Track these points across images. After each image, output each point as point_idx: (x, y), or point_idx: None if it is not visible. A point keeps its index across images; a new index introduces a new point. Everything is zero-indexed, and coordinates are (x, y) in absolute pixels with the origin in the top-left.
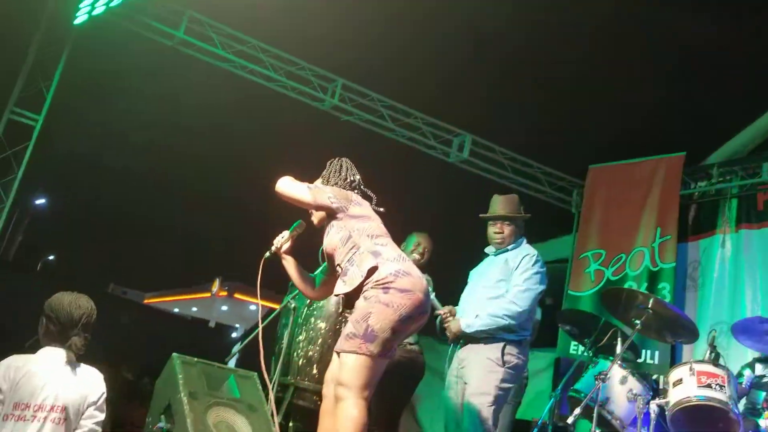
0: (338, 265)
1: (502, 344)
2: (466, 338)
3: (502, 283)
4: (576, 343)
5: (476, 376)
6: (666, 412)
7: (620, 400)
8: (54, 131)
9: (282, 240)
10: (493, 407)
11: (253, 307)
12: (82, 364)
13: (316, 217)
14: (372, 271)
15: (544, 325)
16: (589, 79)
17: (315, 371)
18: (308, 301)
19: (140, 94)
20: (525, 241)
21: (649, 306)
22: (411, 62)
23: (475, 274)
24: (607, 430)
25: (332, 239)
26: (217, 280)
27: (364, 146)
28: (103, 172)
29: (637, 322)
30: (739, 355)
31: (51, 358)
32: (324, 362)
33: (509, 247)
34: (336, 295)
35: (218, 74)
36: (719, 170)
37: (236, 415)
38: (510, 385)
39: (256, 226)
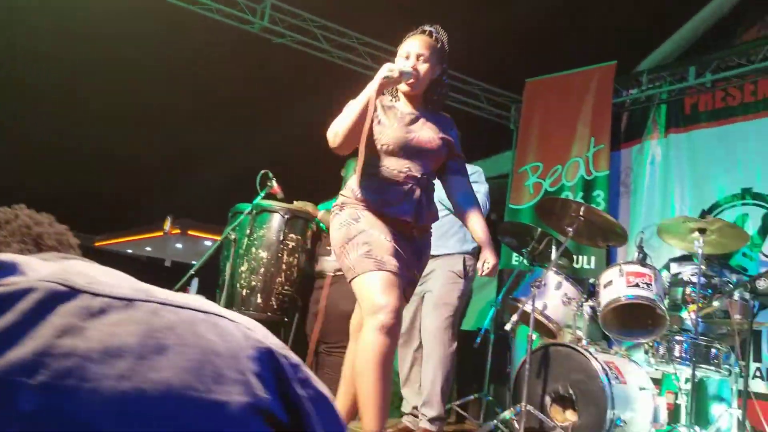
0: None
1: (462, 257)
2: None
3: None
4: (517, 254)
5: (440, 286)
6: (598, 313)
7: (556, 304)
8: None
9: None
10: (452, 318)
11: (208, 243)
12: None
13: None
14: None
15: None
16: None
17: (259, 300)
18: (248, 231)
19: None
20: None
21: (581, 213)
22: None
23: None
24: (545, 334)
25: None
26: (169, 218)
27: (301, 70)
28: (24, 90)
29: (570, 229)
30: (670, 254)
31: None
32: (267, 291)
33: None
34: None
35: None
36: (648, 77)
37: None
38: (467, 298)
39: (203, 161)
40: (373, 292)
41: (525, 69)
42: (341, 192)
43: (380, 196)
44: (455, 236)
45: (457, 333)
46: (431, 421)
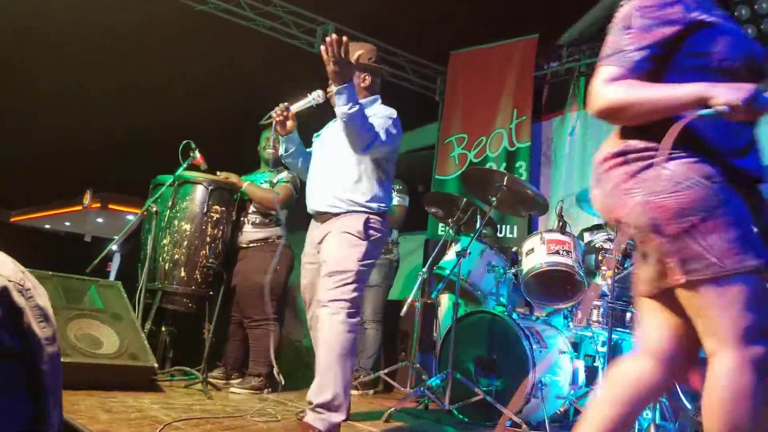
0: None
1: (365, 216)
2: (321, 215)
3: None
4: (443, 224)
5: (336, 251)
6: (520, 280)
7: (480, 272)
8: None
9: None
10: (354, 285)
11: (130, 217)
12: None
13: None
14: None
15: (414, 209)
16: None
17: (183, 274)
18: (170, 203)
19: None
20: (380, 101)
21: (504, 183)
22: None
23: (318, 143)
24: (470, 301)
25: None
26: (89, 191)
27: (223, 38)
28: None
29: (494, 199)
30: (588, 223)
31: None
32: (191, 264)
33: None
34: None
35: None
36: (568, 50)
37: (101, 325)
38: (371, 261)
39: (124, 134)
40: (748, 304)
41: (450, 41)
42: (620, 137)
43: (730, 141)
44: (356, 189)
45: (361, 303)
46: (315, 409)
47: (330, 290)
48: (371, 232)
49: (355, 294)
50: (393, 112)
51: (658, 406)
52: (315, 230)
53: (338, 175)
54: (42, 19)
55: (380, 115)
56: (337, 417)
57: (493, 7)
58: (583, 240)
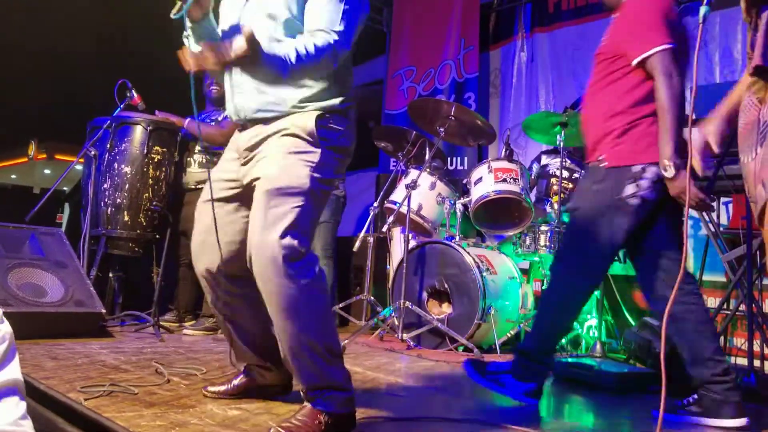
0: None
1: (317, 111)
2: (254, 118)
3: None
4: (394, 159)
5: (276, 163)
6: (470, 209)
7: (430, 204)
8: None
9: None
10: (300, 208)
11: (78, 167)
12: None
13: None
14: None
15: (365, 145)
16: None
17: (126, 218)
18: (108, 145)
19: None
20: None
21: (452, 114)
22: None
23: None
24: (422, 233)
25: None
26: (33, 142)
27: None
28: None
29: (441, 130)
30: (538, 150)
31: None
32: (134, 208)
33: None
34: None
35: None
36: None
37: (44, 273)
38: (327, 176)
39: (61, 78)
40: None
41: None
42: None
43: None
44: (304, 79)
45: (329, 244)
46: (308, 392)
47: (268, 221)
48: (328, 133)
49: (309, 223)
50: None
51: (603, 324)
52: (240, 138)
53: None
54: None
55: None
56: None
57: None
58: (540, 162)
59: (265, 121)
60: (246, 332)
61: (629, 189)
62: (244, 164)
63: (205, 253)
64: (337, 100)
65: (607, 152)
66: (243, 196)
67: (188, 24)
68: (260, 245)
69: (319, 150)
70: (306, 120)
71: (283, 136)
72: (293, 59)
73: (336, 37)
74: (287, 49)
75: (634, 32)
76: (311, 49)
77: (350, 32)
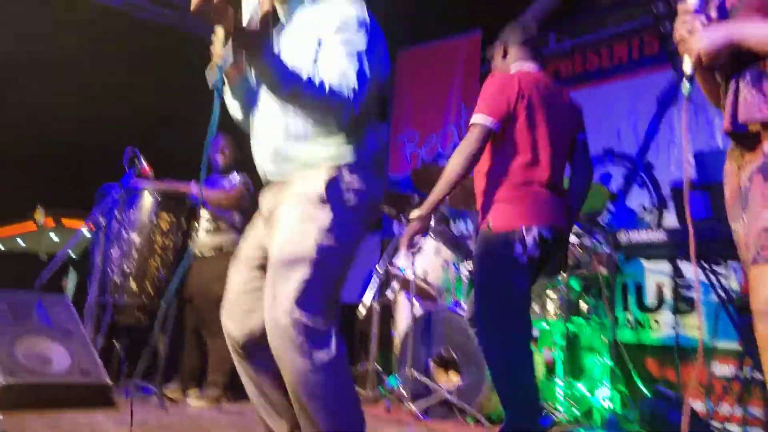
0: None
1: (330, 170)
2: (272, 178)
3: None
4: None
5: (283, 234)
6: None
7: (435, 269)
8: None
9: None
10: (307, 280)
11: (86, 231)
12: None
13: None
14: None
15: None
16: None
17: (133, 286)
18: (117, 213)
19: None
20: None
21: None
22: None
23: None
24: (427, 299)
25: None
26: (40, 209)
27: (168, 42)
28: None
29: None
30: None
31: None
32: (141, 275)
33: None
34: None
35: None
36: None
37: (51, 342)
38: (347, 240)
39: (72, 148)
40: None
41: (397, 38)
42: None
43: None
44: (317, 136)
45: (328, 306)
46: None
47: (275, 297)
48: (342, 194)
49: (324, 286)
50: (364, 18)
51: (618, 396)
52: (263, 199)
53: (287, 112)
54: None
55: (347, 35)
56: None
57: (439, 3)
58: None
59: (282, 181)
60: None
61: (518, 249)
62: (266, 227)
63: (232, 319)
64: (352, 155)
65: (493, 217)
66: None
67: (225, 84)
68: (269, 322)
69: (330, 212)
70: (316, 181)
71: (294, 200)
72: (303, 81)
73: (351, 90)
74: (301, 73)
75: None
76: (325, 88)
77: (367, 85)
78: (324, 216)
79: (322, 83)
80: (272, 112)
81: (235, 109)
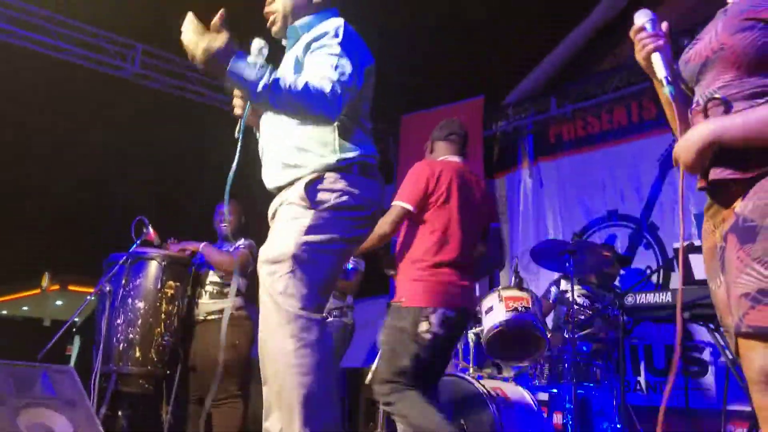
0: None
1: (314, 173)
2: (272, 186)
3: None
4: None
5: (272, 235)
6: (481, 340)
7: None
8: None
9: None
10: (289, 274)
11: (92, 297)
12: None
13: None
14: None
15: (374, 272)
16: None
17: (138, 354)
18: (123, 281)
19: None
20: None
21: None
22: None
23: None
24: None
25: None
26: (46, 274)
27: (175, 111)
28: None
29: None
30: (551, 276)
31: None
32: (146, 343)
33: (298, 25)
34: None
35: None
36: (515, 109)
37: (54, 414)
38: (323, 237)
39: (78, 214)
40: None
41: (400, 104)
42: None
43: None
44: (312, 147)
45: (312, 296)
46: None
47: (265, 290)
48: (322, 195)
49: (306, 289)
50: (338, 26)
51: None
52: (271, 208)
53: (284, 129)
54: None
55: (322, 48)
56: None
57: (440, 70)
58: (559, 287)
59: (279, 189)
60: None
61: (423, 326)
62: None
63: None
64: (333, 159)
65: (406, 293)
66: None
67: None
68: (261, 310)
69: (311, 213)
70: (299, 186)
71: (284, 204)
72: (267, 83)
73: (331, 82)
74: (270, 74)
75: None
76: (298, 85)
77: (350, 80)
78: (305, 215)
79: (299, 82)
80: (273, 130)
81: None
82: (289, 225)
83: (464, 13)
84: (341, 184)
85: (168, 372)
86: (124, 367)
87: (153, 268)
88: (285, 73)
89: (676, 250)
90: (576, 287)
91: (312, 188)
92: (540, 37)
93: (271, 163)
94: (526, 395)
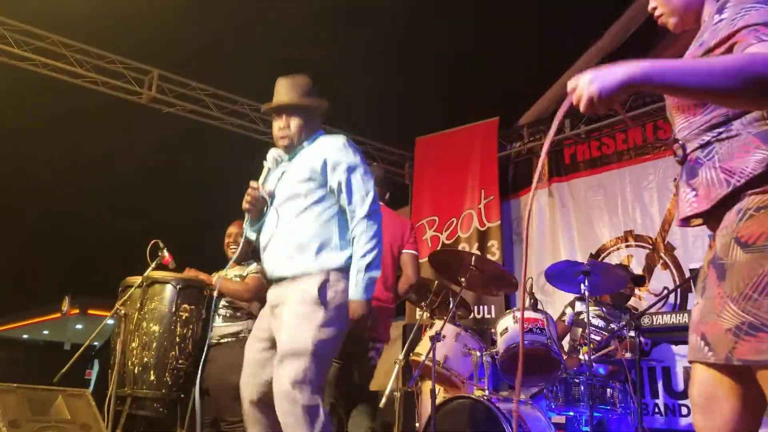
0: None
1: (321, 274)
2: (279, 277)
3: (312, 185)
4: (419, 309)
5: (289, 325)
6: (497, 361)
7: (456, 356)
8: None
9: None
10: (309, 373)
11: (111, 321)
12: None
13: None
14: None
15: None
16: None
17: (152, 377)
18: (139, 305)
19: None
20: (323, 134)
21: (473, 263)
22: (229, 47)
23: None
24: (449, 386)
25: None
26: (67, 298)
27: (192, 136)
28: None
29: (463, 279)
30: (567, 297)
31: None
32: (161, 367)
33: (305, 144)
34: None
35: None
36: (529, 130)
37: None
38: (335, 331)
39: (97, 239)
40: None
41: (415, 127)
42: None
43: None
44: (317, 249)
45: (321, 388)
46: None
47: (286, 381)
48: (332, 295)
49: (317, 376)
50: (347, 152)
51: None
52: (272, 293)
53: (291, 229)
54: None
55: (341, 166)
56: None
57: (455, 92)
58: (574, 309)
59: (286, 280)
60: None
61: None
62: (272, 315)
63: (247, 387)
64: (341, 259)
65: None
66: (274, 345)
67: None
68: (277, 395)
69: (322, 311)
70: (311, 285)
71: (294, 301)
72: (372, 259)
73: (374, 218)
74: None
75: None
76: (372, 243)
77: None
78: (318, 315)
79: (370, 245)
80: (283, 229)
81: (251, 234)
82: (302, 324)
83: (481, 37)
84: (344, 284)
85: (182, 395)
86: (138, 390)
87: (168, 291)
88: None
89: (692, 270)
90: (591, 308)
91: (323, 290)
92: (554, 59)
93: (281, 257)
94: (542, 418)
